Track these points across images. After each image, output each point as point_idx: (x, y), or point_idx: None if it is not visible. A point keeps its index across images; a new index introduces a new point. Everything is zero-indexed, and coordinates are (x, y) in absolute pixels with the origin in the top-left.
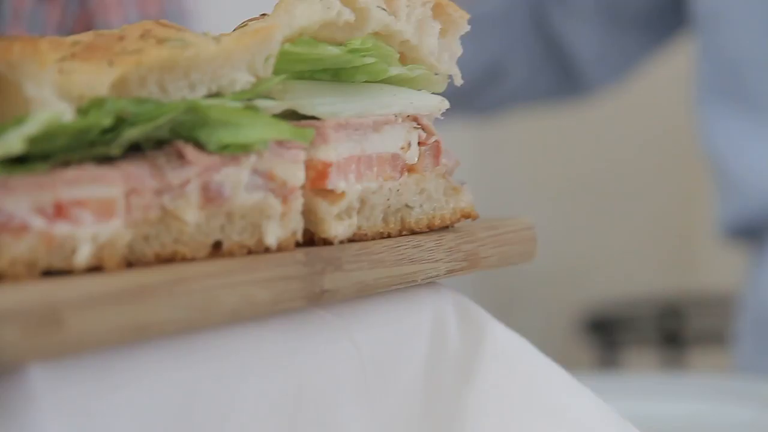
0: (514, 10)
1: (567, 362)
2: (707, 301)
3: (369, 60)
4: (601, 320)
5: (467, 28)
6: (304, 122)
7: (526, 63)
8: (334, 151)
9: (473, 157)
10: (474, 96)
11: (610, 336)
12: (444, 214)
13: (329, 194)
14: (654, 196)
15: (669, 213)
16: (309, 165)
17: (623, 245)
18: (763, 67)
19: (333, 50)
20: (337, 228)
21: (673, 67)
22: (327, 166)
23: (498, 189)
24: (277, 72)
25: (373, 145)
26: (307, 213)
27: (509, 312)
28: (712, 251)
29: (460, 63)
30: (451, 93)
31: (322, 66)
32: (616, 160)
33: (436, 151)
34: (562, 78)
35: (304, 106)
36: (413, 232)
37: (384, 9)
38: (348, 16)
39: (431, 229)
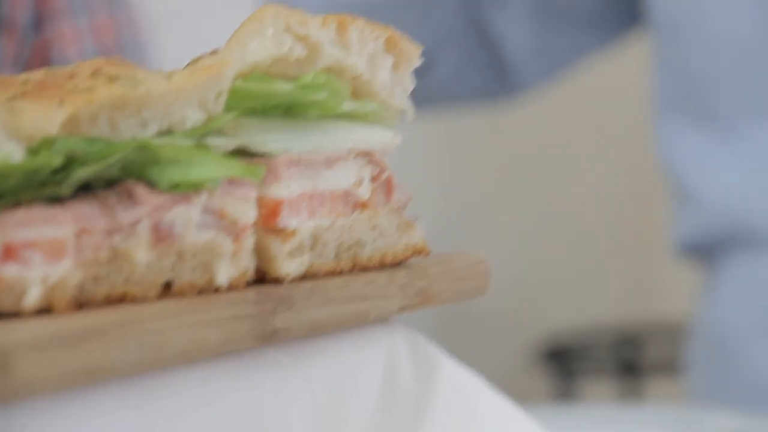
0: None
1: (524, 392)
2: (664, 329)
3: (321, 95)
4: (558, 350)
5: (420, 61)
6: (255, 159)
7: (455, 56)
8: (285, 188)
9: (428, 186)
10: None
11: (566, 365)
12: (396, 251)
13: (281, 232)
14: (610, 224)
15: (626, 241)
16: (260, 202)
17: (579, 274)
18: (724, 81)
19: (285, 86)
20: (288, 266)
21: (632, 87)
22: (278, 203)
23: (452, 219)
24: (228, 108)
25: (325, 182)
26: (259, 251)
27: (466, 342)
28: (669, 279)
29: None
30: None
31: (274, 102)
32: (572, 189)
33: (389, 187)
34: (494, 74)
35: (256, 143)
36: (365, 269)
37: (336, 44)
38: (300, 51)
39: (384, 266)
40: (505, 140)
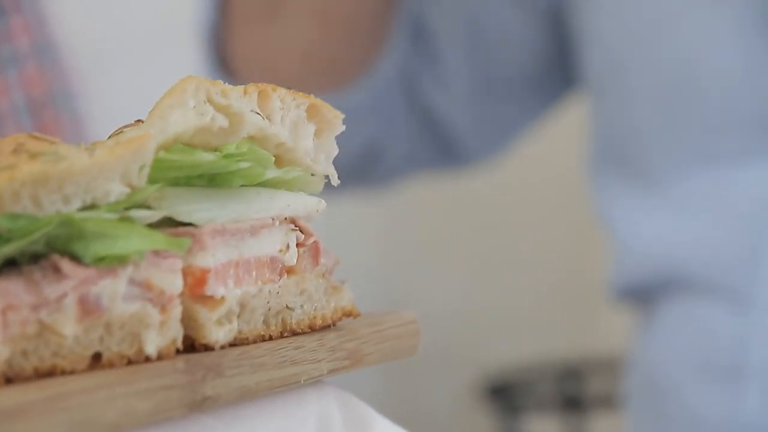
0: (387, 91)
1: (469, 430)
2: (606, 363)
3: (244, 164)
4: (501, 386)
5: (342, 128)
6: (180, 229)
7: (404, 138)
8: (211, 257)
9: (371, 231)
10: (357, 174)
11: (510, 401)
12: (325, 314)
13: (208, 300)
14: (550, 260)
15: (565, 276)
16: (187, 272)
17: (520, 310)
18: (648, 134)
19: (208, 156)
20: (217, 333)
21: (568, 128)
22: (205, 272)
23: (396, 260)
24: (152, 180)
25: (251, 249)
26: (187, 320)
27: (410, 380)
28: (609, 313)
29: (338, 144)
30: (338, 169)
31: (198, 172)
32: (511, 226)
33: (315, 252)
34: (443, 149)
35: (181, 213)
36: (295, 333)
37: (258, 113)
38: (222, 122)
39: (313, 329)
40: (444, 180)
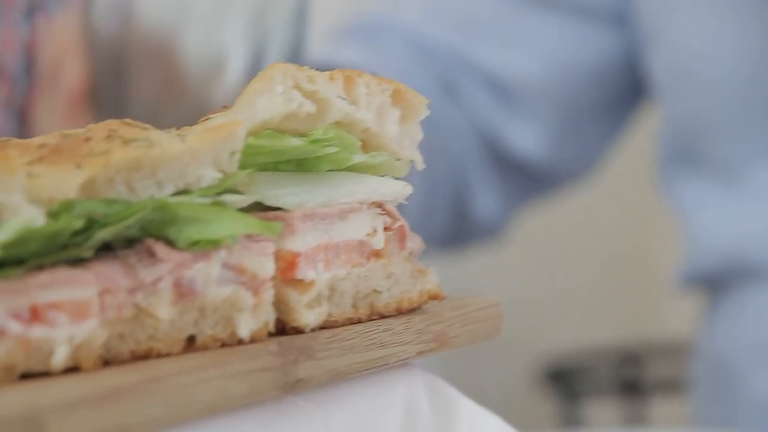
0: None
1: (527, 415)
2: (666, 348)
3: (331, 149)
4: (560, 371)
5: (427, 112)
6: (270, 214)
7: (487, 189)
8: (301, 241)
9: None
10: (455, 238)
11: (569, 386)
12: (411, 297)
13: (299, 284)
14: (609, 244)
15: (625, 260)
16: (278, 256)
17: (580, 294)
18: (721, 131)
19: (296, 142)
20: (307, 317)
21: (634, 137)
22: (295, 256)
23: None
24: (241, 166)
25: (339, 233)
26: (278, 303)
27: (469, 367)
28: (669, 298)
29: (428, 221)
30: (436, 240)
31: (286, 157)
32: (572, 210)
33: (402, 236)
34: (528, 182)
35: (270, 198)
36: (382, 316)
37: (344, 99)
38: (309, 107)
39: (400, 312)
40: None
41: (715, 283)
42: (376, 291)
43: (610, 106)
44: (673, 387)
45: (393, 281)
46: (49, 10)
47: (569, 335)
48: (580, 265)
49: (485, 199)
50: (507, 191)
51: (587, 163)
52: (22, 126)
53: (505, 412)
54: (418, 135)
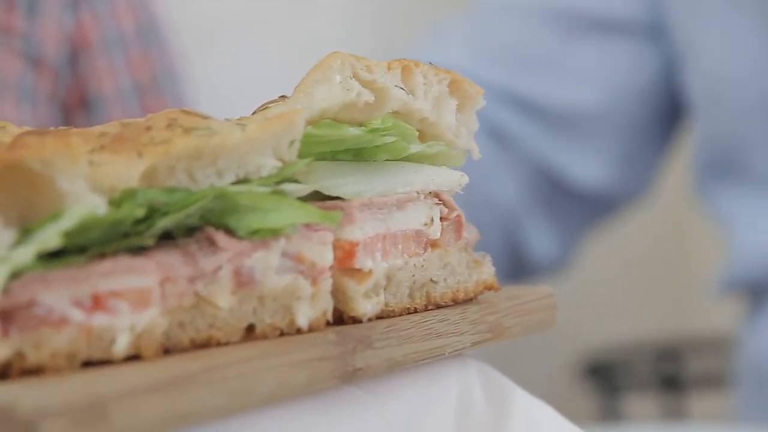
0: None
1: (567, 409)
2: (706, 343)
3: (389, 139)
4: (600, 365)
5: (483, 102)
6: (329, 203)
7: (544, 232)
8: (360, 230)
9: None
10: (513, 275)
11: (609, 381)
12: (467, 287)
13: (357, 273)
14: (650, 239)
15: (665, 256)
16: (336, 245)
17: (620, 289)
18: (757, 146)
19: (354, 131)
20: (365, 306)
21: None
22: (354, 245)
23: None
24: (300, 155)
25: (397, 223)
26: (336, 292)
27: (509, 361)
28: (709, 294)
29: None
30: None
31: (344, 146)
32: None
33: (458, 226)
34: (588, 212)
35: (329, 188)
36: (438, 306)
37: (402, 88)
38: (368, 97)
39: (455, 302)
40: None
41: (757, 289)
42: (432, 281)
43: (660, 124)
44: (712, 382)
45: (449, 271)
46: (94, 2)
47: (609, 330)
48: (621, 260)
49: (541, 240)
50: (564, 227)
51: (645, 183)
52: (67, 120)
53: None
54: (475, 124)
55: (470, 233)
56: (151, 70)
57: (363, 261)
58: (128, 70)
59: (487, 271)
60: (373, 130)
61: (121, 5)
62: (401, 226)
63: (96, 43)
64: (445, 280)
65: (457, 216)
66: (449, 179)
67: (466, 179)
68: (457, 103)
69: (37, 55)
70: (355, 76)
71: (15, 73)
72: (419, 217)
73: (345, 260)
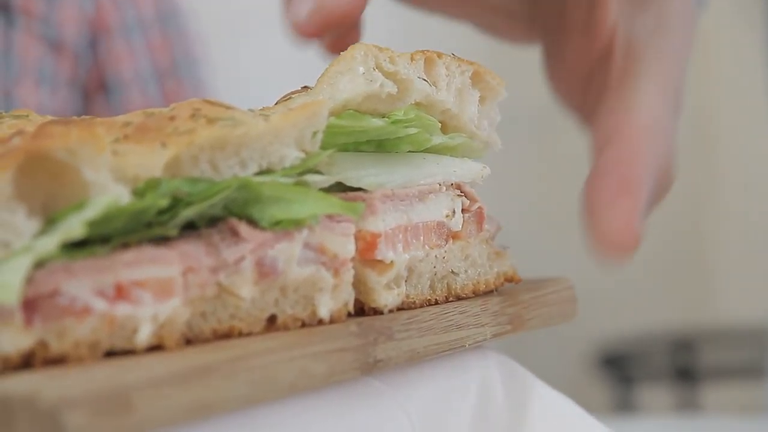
0: None
1: (582, 400)
2: (719, 335)
3: (412, 130)
4: (614, 356)
5: (505, 95)
6: (351, 194)
7: None
8: (382, 222)
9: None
10: None
11: (623, 372)
12: (488, 279)
13: (378, 264)
14: (665, 231)
15: (680, 248)
16: (358, 236)
17: (634, 281)
18: None
19: (377, 122)
20: (386, 297)
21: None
22: (376, 237)
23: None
24: (323, 146)
25: (418, 215)
26: (357, 284)
27: (524, 350)
28: (725, 284)
29: None
30: None
31: (366, 138)
32: None
33: (479, 218)
34: None
35: (351, 179)
36: (459, 298)
37: (425, 80)
38: (391, 88)
39: (476, 294)
40: (562, 156)
41: None
42: (453, 272)
43: None
44: (726, 373)
45: (470, 263)
46: None
47: (624, 321)
48: (636, 252)
49: None
50: None
51: None
52: (87, 104)
53: None
54: (496, 116)
55: (491, 225)
56: (170, 54)
57: (385, 252)
58: (147, 54)
59: (508, 263)
60: (396, 122)
61: None
62: (423, 217)
63: (115, 26)
64: (466, 271)
65: (479, 208)
66: (471, 171)
67: (487, 171)
68: (480, 95)
69: (57, 38)
70: (378, 68)
71: (34, 56)
72: (441, 208)
73: (367, 252)
